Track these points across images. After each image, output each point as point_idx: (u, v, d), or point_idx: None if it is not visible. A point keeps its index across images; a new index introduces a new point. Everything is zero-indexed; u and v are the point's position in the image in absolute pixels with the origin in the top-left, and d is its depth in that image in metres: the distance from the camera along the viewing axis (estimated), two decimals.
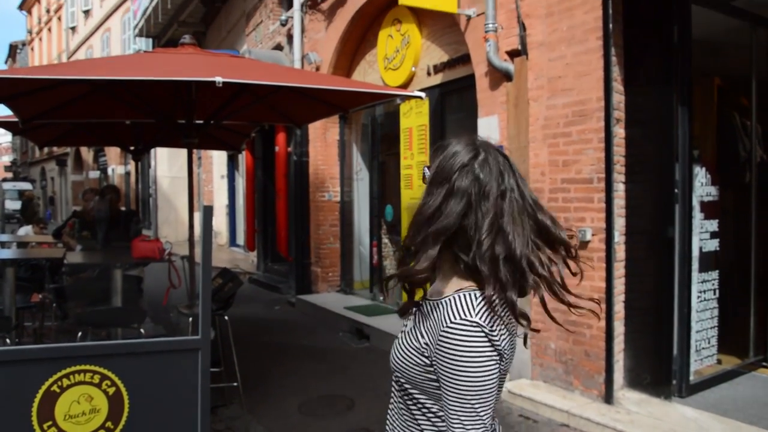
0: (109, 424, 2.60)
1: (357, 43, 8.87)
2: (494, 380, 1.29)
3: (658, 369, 4.68)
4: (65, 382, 2.53)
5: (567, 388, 5.01)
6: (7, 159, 55.59)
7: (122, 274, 5.60)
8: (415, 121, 7.33)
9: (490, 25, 5.58)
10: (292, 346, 7.12)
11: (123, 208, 9.36)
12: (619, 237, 4.74)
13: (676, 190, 4.61)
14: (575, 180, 4.93)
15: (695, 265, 4.73)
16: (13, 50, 43.02)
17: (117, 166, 24.18)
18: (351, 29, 8.59)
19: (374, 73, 8.46)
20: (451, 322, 1.29)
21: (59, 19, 32.27)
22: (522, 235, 1.34)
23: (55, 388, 2.52)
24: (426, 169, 1.47)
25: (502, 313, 1.32)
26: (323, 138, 9.54)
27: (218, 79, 3.60)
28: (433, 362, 1.33)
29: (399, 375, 1.44)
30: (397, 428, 1.48)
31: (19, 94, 4.74)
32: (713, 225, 4.91)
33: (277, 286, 10.68)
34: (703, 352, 4.83)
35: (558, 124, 5.05)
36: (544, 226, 1.39)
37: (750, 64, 5.27)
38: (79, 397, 2.55)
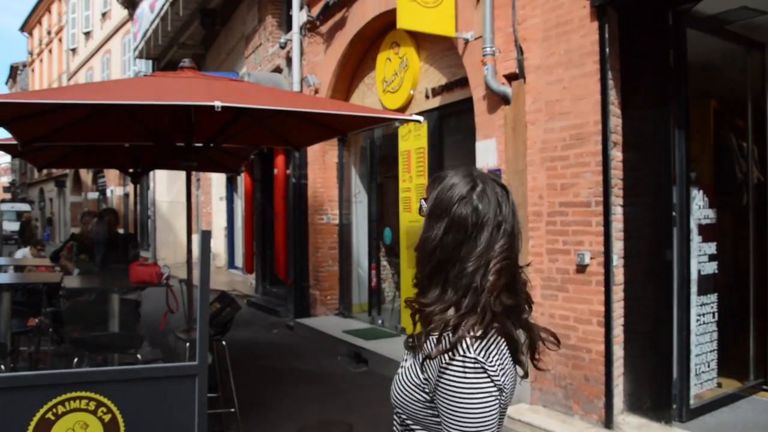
0: None
1: (356, 65, 8.93)
2: (494, 416, 1.29)
3: (658, 393, 4.64)
4: (60, 409, 2.50)
5: (567, 412, 4.97)
6: (5, 180, 55.64)
7: (120, 298, 5.58)
8: (413, 144, 7.36)
9: (488, 49, 5.62)
10: (290, 370, 7.07)
11: (121, 231, 9.35)
12: (617, 260, 4.73)
13: (674, 213, 4.61)
14: (573, 203, 4.93)
15: (694, 288, 4.71)
16: (13, 71, 43.28)
17: (116, 187, 24.21)
18: (350, 52, 8.65)
19: (373, 95, 8.50)
20: (450, 359, 1.29)
21: (60, 40, 32.50)
22: (510, 266, 1.36)
23: (50, 415, 2.49)
24: (423, 201, 1.46)
25: (501, 347, 1.32)
26: (322, 160, 9.57)
27: (217, 103, 3.62)
28: (434, 398, 1.32)
29: (400, 411, 1.43)
30: None
31: (19, 118, 4.75)
32: (711, 248, 4.90)
33: (275, 309, 10.63)
34: (703, 375, 4.80)
35: (556, 147, 5.07)
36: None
37: (745, 86, 5.31)
38: (75, 424, 2.52)
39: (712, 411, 4.76)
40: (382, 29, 8.02)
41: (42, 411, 2.48)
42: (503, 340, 1.33)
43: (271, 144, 7.56)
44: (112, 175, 24.27)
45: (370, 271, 8.89)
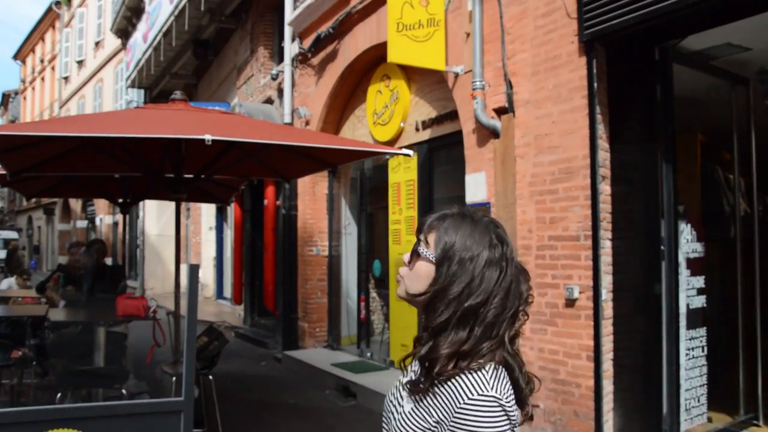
0: None
1: (346, 97, 8.99)
2: None
3: (648, 428, 4.61)
4: None
5: None
6: None
7: (105, 331, 5.52)
8: (403, 176, 7.38)
9: (478, 83, 5.68)
10: (278, 404, 6.98)
11: (109, 260, 9.28)
12: (606, 294, 4.73)
13: (662, 247, 4.62)
14: (562, 237, 4.95)
15: (683, 322, 4.71)
16: (5, 99, 43.31)
17: (105, 215, 24.09)
18: (341, 84, 8.71)
19: (363, 127, 8.55)
20: (469, 399, 1.30)
21: (53, 68, 32.60)
22: (510, 301, 1.39)
23: None
24: (421, 246, 1.45)
25: (507, 381, 1.35)
26: (312, 192, 9.57)
27: (208, 137, 3.62)
28: None
29: None
30: None
31: (8, 149, 4.74)
32: (700, 281, 4.91)
33: (263, 341, 10.54)
34: (693, 410, 4.78)
35: (545, 181, 5.10)
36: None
37: (731, 120, 5.38)
38: None
39: None
40: (373, 62, 8.10)
41: None
42: (504, 371, 1.36)
43: (261, 175, 7.57)
44: (101, 203, 24.17)
45: (359, 303, 8.84)
